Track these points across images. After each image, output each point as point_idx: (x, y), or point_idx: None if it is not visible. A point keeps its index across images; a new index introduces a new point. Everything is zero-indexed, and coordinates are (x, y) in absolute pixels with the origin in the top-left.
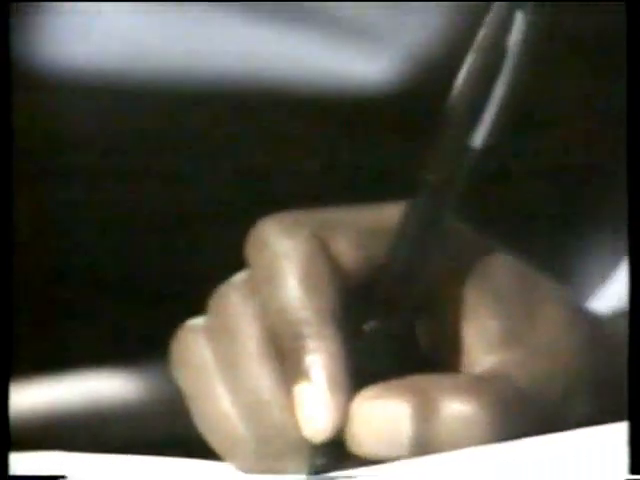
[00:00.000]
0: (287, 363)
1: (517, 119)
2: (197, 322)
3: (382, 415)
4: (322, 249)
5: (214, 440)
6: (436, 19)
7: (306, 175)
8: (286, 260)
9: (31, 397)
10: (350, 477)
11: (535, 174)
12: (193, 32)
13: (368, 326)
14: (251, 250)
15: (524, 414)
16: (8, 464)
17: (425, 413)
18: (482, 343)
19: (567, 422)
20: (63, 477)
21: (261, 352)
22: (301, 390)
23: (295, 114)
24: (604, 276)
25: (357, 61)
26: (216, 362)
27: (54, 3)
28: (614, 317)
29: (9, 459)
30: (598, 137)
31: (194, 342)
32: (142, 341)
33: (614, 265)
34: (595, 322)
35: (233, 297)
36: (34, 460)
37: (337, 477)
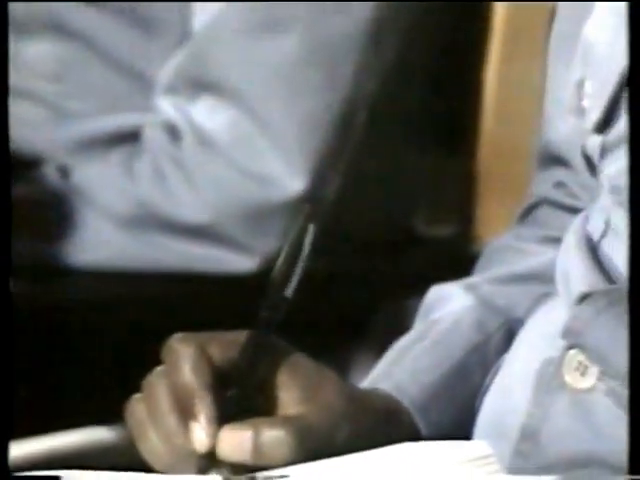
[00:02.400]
0: (185, 413)
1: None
2: (137, 396)
3: (235, 439)
4: (203, 353)
5: (150, 460)
6: (276, 233)
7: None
8: (182, 359)
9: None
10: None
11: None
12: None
13: (230, 393)
14: (165, 353)
15: (313, 439)
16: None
17: (258, 436)
18: (290, 402)
19: (334, 446)
20: (57, 478)
21: (172, 408)
22: (193, 427)
23: (185, 293)
24: (368, 368)
25: (233, 259)
26: (148, 417)
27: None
28: (369, 391)
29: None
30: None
31: (135, 407)
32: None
33: (373, 363)
34: (355, 394)
35: (155, 380)
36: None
37: (272, 477)
